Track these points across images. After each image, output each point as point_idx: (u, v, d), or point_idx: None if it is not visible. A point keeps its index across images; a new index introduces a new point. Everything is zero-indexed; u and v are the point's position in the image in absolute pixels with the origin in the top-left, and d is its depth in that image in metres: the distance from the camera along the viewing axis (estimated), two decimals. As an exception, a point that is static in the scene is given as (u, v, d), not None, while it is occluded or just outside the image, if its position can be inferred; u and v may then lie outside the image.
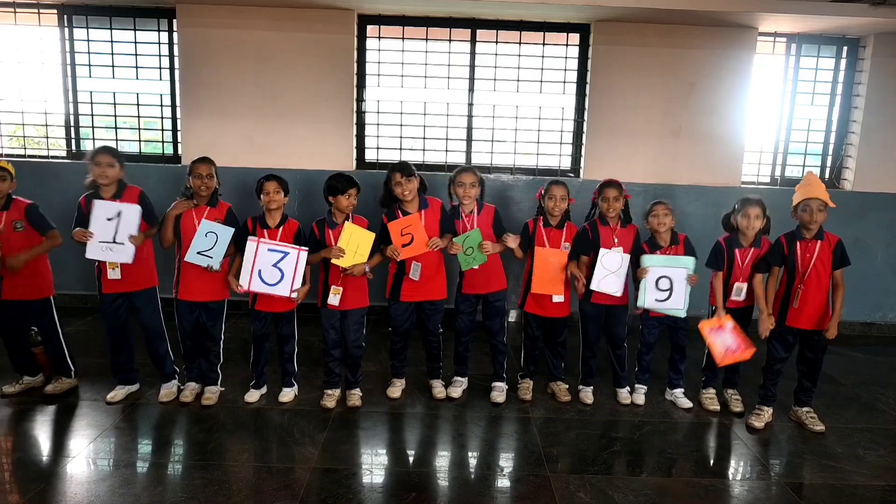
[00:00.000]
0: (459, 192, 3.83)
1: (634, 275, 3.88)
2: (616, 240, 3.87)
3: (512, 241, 3.80)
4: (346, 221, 3.65)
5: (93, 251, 3.58)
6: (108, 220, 3.57)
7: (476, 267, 3.80)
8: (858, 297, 5.70)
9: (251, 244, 3.56)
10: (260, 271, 3.57)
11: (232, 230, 3.65)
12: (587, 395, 4.06)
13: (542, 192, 3.92)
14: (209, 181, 3.67)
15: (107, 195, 3.64)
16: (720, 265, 3.86)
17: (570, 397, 4.04)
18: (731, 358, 3.75)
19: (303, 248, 3.61)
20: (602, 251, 3.82)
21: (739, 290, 3.85)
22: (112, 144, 5.70)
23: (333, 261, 3.61)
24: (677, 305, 3.79)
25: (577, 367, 4.16)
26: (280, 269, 3.58)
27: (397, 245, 3.70)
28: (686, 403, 3.99)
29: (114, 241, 3.58)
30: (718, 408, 3.94)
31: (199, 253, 3.60)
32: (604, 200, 3.86)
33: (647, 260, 3.80)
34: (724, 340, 3.76)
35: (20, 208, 3.66)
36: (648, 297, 3.80)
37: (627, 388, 4.08)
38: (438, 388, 4.03)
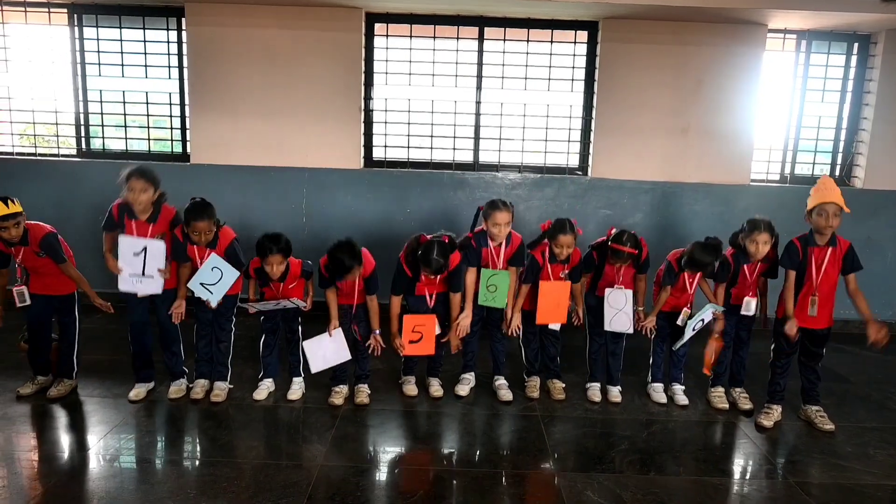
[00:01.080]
0: (494, 231, 3.80)
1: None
2: (620, 277, 3.88)
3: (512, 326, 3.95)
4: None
5: (124, 284, 3.66)
6: (135, 254, 3.62)
7: (493, 307, 3.89)
8: (869, 295, 5.54)
9: (250, 307, 3.72)
10: (260, 309, 3.72)
11: (237, 273, 3.69)
12: (594, 392, 4.04)
13: (548, 230, 3.83)
14: (208, 234, 3.63)
15: (142, 217, 3.67)
16: (723, 277, 3.85)
17: (564, 396, 4.02)
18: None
19: (297, 303, 3.75)
20: (607, 290, 3.87)
21: (748, 305, 3.86)
22: (121, 143, 5.78)
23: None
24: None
25: (584, 366, 4.16)
26: (218, 270, 3.64)
27: (405, 340, 3.76)
28: (683, 400, 3.98)
29: (142, 275, 3.63)
30: (727, 406, 3.93)
31: (201, 284, 3.64)
32: (615, 255, 3.78)
33: (687, 323, 3.82)
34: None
35: (36, 240, 3.60)
36: (686, 336, 3.86)
37: (619, 386, 4.06)
38: (436, 387, 4.02)
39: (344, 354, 3.77)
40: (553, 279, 3.89)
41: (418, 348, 3.81)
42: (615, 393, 4.03)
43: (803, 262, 3.65)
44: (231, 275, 3.66)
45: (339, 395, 3.86)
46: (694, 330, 3.83)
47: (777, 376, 3.81)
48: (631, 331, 3.89)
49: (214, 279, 3.63)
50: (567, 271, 3.90)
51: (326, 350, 3.74)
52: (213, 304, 3.67)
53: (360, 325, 3.84)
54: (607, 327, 3.89)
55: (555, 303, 3.87)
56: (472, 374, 4.13)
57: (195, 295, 3.66)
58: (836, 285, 3.66)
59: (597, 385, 4.08)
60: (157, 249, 3.64)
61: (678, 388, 4.04)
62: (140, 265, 3.62)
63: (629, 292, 3.85)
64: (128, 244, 3.62)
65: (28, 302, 3.71)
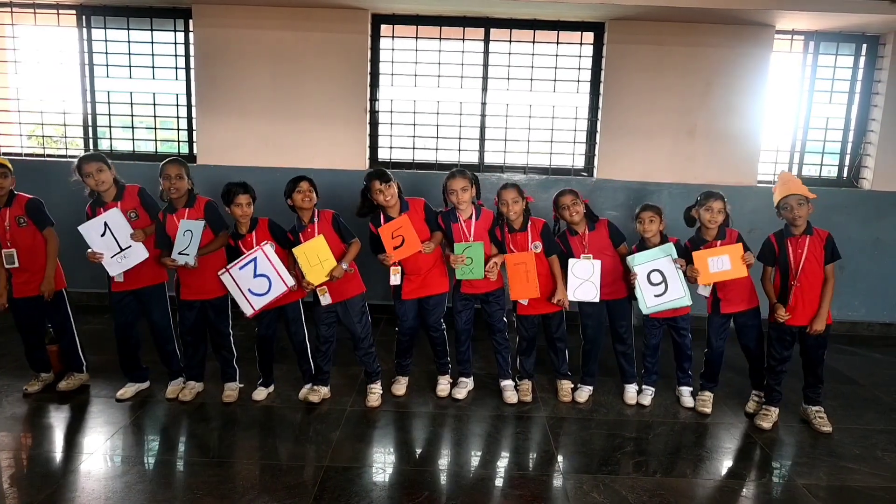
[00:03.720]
0: (453, 200, 3.79)
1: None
2: (586, 247, 3.84)
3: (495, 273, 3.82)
4: (293, 248, 3.60)
5: (112, 268, 3.64)
6: (102, 235, 3.61)
7: (472, 279, 3.79)
8: (878, 297, 5.62)
9: (225, 277, 3.57)
10: (250, 289, 3.57)
11: (202, 223, 3.63)
12: (582, 394, 4.03)
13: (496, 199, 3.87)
14: (178, 182, 3.62)
15: (108, 199, 3.69)
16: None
17: (571, 397, 4.02)
18: None
19: (264, 244, 3.58)
20: (571, 261, 3.81)
21: (706, 287, 3.76)
22: (129, 144, 5.80)
23: (318, 290, 3.63)
24: (678, 294, 3.70)
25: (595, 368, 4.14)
26: (264, 276, 3.56)
27: (389, 249, 3.68)
28: (689, 402, 3.96)
29: (121, 250, 3.62)
30: (709, 410, 3.87)
31: (179, 253, 3.61)
32: (562, 209, 3.83)
33: (633, 260, 3.75)
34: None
35: (21, 204, 3.70)
36: (647, 296, 3.73)
37: (635, 385, 4.05)
38: (443, 386, 4.02)
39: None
40: (518, 251, 3.81)
41: (405, 250, 3.69)
42: (632, 393, 4.02)
43: (782, 255, 3.65)
44: (198, 227, 3.60)
45: (317, 393, 3.84)
46: (653, 284, 3.69)
47: (773, 382, 3.76)
48: (597, 300, 3.80)
49: (188, 241, 3.59)
50: (536, 243, 3.82)
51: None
52: (192, 263, 3.58)
53: (354, 325, 3.81)
54: (571, 297, 3.81)
55: (524, 276, 3.74)
56: (471, 378, 4.12)
57: (179, 263, 3.60)
58: (821, 279, 3.59)
59: (587, 388, 4.06)
60: (115, 216, 3.62)
61: (685, 391, 4.02)
62: (113, 242, 3.61)
63: (597, 262, 3.78)
64: (89, 229, 3.62)
65: (16, 264, 3.67)
